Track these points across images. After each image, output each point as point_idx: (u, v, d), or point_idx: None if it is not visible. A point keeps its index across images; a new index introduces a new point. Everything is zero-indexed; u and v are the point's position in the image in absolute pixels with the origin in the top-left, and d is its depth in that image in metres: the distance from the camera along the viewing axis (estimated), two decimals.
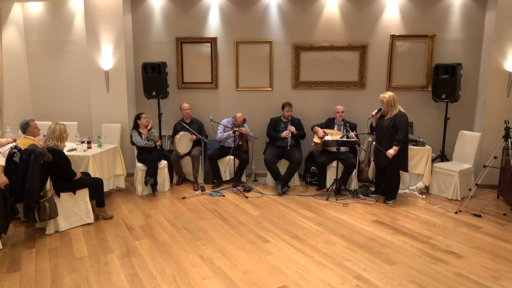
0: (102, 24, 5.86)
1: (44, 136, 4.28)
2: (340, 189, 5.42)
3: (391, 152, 4.70)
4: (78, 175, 4.25)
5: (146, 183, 5.23)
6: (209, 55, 6.14)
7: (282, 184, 5.45)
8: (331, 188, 5.33)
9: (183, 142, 5.65)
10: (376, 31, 5.88)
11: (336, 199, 5.14)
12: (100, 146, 5.23)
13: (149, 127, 5.45)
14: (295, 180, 5.82)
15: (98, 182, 4.48)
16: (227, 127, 5.71)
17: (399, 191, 5.14)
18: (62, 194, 4.12)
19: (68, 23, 6.35)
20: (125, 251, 3.67)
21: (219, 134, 5.78)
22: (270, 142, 5.87)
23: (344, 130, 5.48)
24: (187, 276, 3.19)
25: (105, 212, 4.52)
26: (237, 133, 5.57)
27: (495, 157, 4.59)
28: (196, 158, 5.63)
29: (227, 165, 5.79)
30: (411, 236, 4.01)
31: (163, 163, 5.56)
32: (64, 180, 4.13)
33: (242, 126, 5.73)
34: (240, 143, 5.67)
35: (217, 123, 5.74)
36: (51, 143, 4.02)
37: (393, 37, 5.83)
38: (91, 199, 4.40)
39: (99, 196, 4.47)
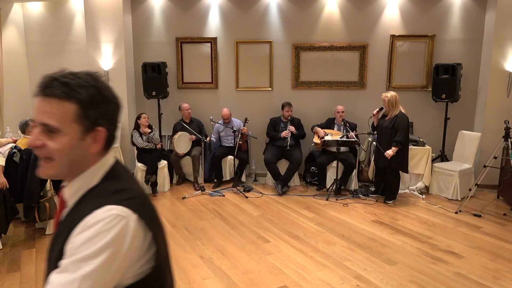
0: (102, 24, 5.85)
1: None
2: (340, 189, 5.42)
3: (390, 152, 4.70)
4: None
5: (147, 181, 5.22)
6: (209, 55, 6.14)
7: (282, 184, 5.45)
8: (331, 188, 5.33)
9: (182, 142, 5.64)
10: (376, 31, 5.88)
11: (336, 199, 5.14)
12: None
13: (148, 131, 5.41)
14: (295, 180, 5.82)
15: None
16: (222, 125, 5.74)
17: (399, 191, 5.13)
18: None
19: (68, 23, 6.35)
20: None
21: (212, 137, 5.86)
22: (270, 142, 5.87)
23: (344, 130, 5.48)
24: (187, 276, 3.18)
25: None
26: (237, 133, 5.59)
27: (495, 157, 4.58)
28: (196, 158, 5.63)
29: (227, 165, 5.81)
30: (411, 236, 4.01)
31: (163, 163, 5.56)
32: (56, 183, 4.14)
33: (244, 126, 5.75)
34: (240, 142, 5.67)
35: (217, 123, 5.75)
36: None
37: (393, 37, 5.83)
38: None
39: None
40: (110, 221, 0.84)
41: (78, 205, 0.92)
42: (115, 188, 0.91)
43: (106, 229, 0.83)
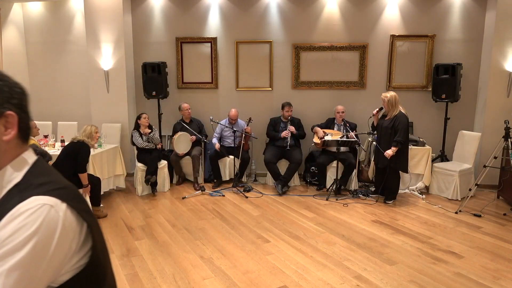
0: (102, 24, 5.86)
1: (44, 136, 4.34)
2: (340, 189, 5.42)
3: (389, 152, 4.70)
4: (86, 175, 4.28)
5: (147, 181, 5.22)
6: (209, 55, 6.14)
7: (282, 184, 5.45)
8: (331, 188, 5.33)
9: (182, 142, 5.64)
10: (376, 31, 5.88)
11: (336, 199, 5.14)
12: (100, 146, 5.23)
13: (148, 131, 5.41)
14: (295, 180, 5.82)
15: (96, 182, 4.50)
16: (227, 126, 5.72)
17: (399, 191, 5.13)
18: None
19: (68, 23, 6.35)
20: (125, 251, 3.67)
21: (214, 139, 5.79)
22: (270, 142, 5.87)
23: (344, 130, 5.48)
24: (187, 276, 3.19)
25: (101, 211, 4.56)
26: (239, 133, 5.59)
27: (495, 157, 4.58)
28: (196, 158, 5.63)
29: (227, 165, 5.80)
30: (411, 236, 4.01)
31: (163, 163, 5.56)
32: (67, 177, 4.15)
33: (247, 125, 5.74)
34: (243, 142, 5.67)
35: (217, 123, 5.75)
36: (80, 138, 4.28)
37: (393, 37, 5.83)
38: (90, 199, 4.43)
39: (95, 195, 4.50)
40: (35, 211, 0.79)
41: None
42: (40, 181, 0.86)
43: (32, 219, 0.78)
